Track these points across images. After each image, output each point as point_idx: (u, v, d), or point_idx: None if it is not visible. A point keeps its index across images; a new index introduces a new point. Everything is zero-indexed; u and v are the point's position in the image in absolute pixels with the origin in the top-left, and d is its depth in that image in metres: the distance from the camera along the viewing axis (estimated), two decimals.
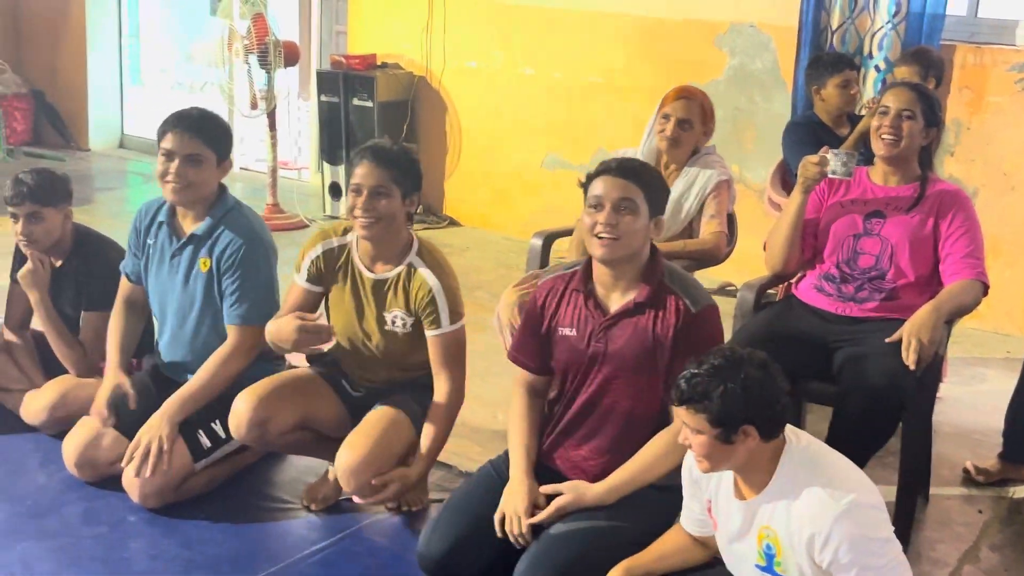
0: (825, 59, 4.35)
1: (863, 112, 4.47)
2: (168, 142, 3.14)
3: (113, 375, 3.27)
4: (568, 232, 3.92)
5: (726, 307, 3.61)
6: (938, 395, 3.52)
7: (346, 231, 3.04)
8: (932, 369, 2.96)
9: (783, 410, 2.18)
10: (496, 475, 2.74)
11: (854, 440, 2.77)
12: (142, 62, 10.22)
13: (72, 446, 3.21)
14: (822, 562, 2.10)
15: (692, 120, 3.66)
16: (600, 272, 2.65)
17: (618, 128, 5.66)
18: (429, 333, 2.96)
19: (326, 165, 6.53)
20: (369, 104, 6.26)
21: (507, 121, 6.24)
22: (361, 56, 6.39)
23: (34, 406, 3.46)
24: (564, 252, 4.05)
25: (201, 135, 3.14)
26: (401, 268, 2.96)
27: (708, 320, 2.60)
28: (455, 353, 2.99)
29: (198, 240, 3.20)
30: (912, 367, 2.80)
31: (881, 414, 2.82)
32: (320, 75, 6.53)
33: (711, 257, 3.64)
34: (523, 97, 6.15)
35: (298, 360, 3.35)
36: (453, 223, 6.48)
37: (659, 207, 2.64)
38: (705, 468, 2.22)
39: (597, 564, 2.48)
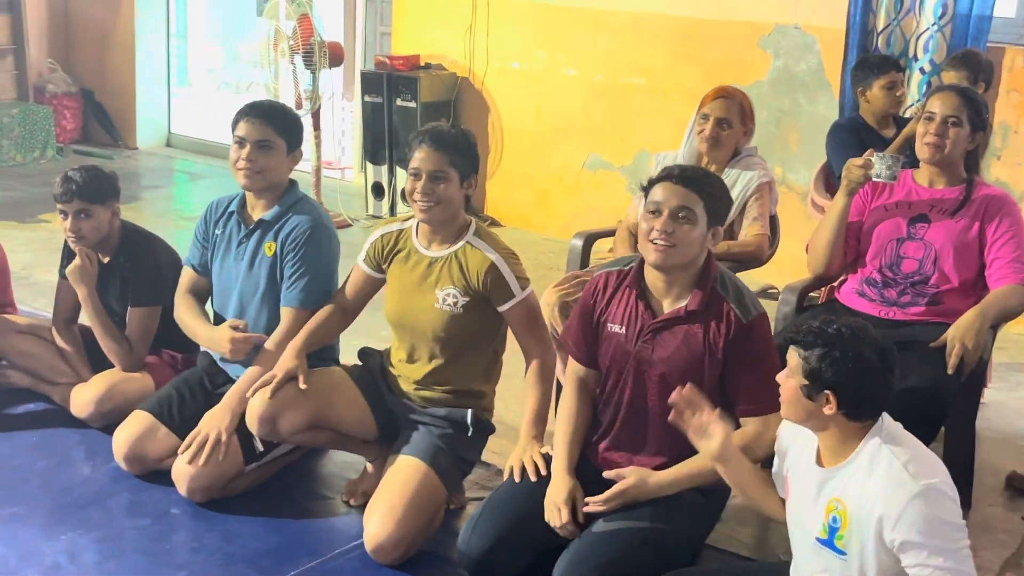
0: (871, 61, 4.32)
1: (907, 115, 4.43)
2: (241, 130, 3.22)
3: (217, 330, 3.27)
4: (609, 233, 3.92)
5: (767, 309, 3.60)
6: (982, 401, 3.49)
7: (407, 219, 3.09)
8: (976, 374, 2.94)
9: (874, 401, 2.19)
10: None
11: None
12: (189, 62, 10.36)
13: (123, 439, 3.26)
14: (892, 541, 2.10)
15: (731, 119, 3.65)
16: (652, 275, 2.65)
17: (660, 129, 5.65)
18: (502, 308, 2.94)
19: (369, 165, 6.58)
20: (412, 105, 6.30)
21: (549, 122, 6.25)
22: (405, 57, 6.42)
23: (81, 399, 3.52)
24: (604, 253, 4.05)
25: (272, 123, 3.21)
26: (457, 247, 2.98)
27: (759, 330, 2.60)
28: (534, 318, 2.99)
29: (266, 225, 3.26)
30: (951, 371, 2.78)
31: (924, 419, 2.79)
32: (364, 75, 6.58)
33: (754, 259, 3.62)
34: (565, 98, 6.15)
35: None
36: (494, 223, 6.50)
37: (719, 218, 2.63)
38: (785, 413, 2.26)
39: (637, 566, 2.49)
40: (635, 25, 5.79)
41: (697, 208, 2.56)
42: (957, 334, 2.83)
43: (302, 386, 3.01)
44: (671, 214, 2.55)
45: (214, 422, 3.11)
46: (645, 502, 2.59)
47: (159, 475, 3.23)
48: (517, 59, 6.29)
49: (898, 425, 2.26)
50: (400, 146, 6.37)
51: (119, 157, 7.83)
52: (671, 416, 2.47)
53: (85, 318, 3.61)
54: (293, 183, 3.33)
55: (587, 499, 2.61)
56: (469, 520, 2.70)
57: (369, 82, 6.48)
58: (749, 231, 3.63)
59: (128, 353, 3.53)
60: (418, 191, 2.92)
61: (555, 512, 2.60)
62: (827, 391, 2.16)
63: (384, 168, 6.47)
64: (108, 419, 3.43)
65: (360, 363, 3.26)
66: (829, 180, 4.31)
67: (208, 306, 3.47)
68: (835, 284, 3.41)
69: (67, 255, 3.65)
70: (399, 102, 6.35)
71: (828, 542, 2.21)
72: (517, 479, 2.74)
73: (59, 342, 3.69)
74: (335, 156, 7.81)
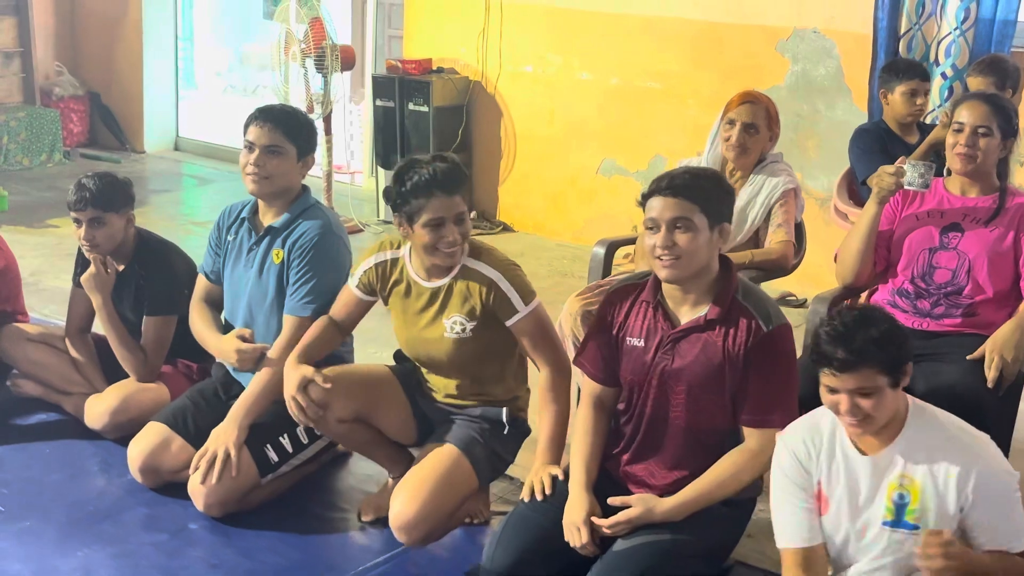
0: (898, 65, 4.26)
1: (930, 120, 4.37)
2: (251, 134, 3.17)
3: (225, 340, 3.22)
4: (631, 240, 3.86)
5: (788, 319, 3.54)
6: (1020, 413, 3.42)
7: (400, 245, 3.01)
8: (1014, 387, 2.88)
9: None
10: (561, 488, 2.68)
11: None
12: (196, 65, 10.30)
13: (137, 451, 3.21)
14: (965, 500, 2.18)
15: (758, 124, 3.58)
16: (669, 286, 2.60)
17: (675, 134, 5.59)
18: (509, 323, 2.88)
19: (380, 170, 6.52)
20: (424, 109, 6.24)
21: (563, 126, 6.19)
22: (417, 61, 6.36)
23: (96, 411, 3.46)
24: (619, 259, 3.99)
25: (281, 128, 3.16)
26: (455, 272, 2.92)
27: (781, 339, 2.54)
28: (543, 332, 2.90)
29: (275, 232, 3.21)
30: (991, 384, 2.72)
31: None
32: (376, 79, 6.52)
33: (779, 267, 3.56)
34: (579, 102, 6.09)
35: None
36: (507, 229, 6.44)
37: (720, 215, 2.56)
38: (873, 430, 2.23)
39: None
40: (650, 28, 5.73)
41: (693, 215, 2.49)
42: (995, 347, 2.77)
43: (323, 385, 2.92)
44: (668, 227, 2.49)
45: (221, 438, 3.06)
46: None
47: (176, 487, 3.17)
48: (530, 63, 6.24)
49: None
50: (412, 151, 6.31)
51: (126, 161, 7.78)
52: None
53: (99, 327, 3.55)
54: (305, 189, 3.27)
55: (596, 520, 2.55)
56: (492, 536, 2.65)
57: (381, 86, 6.43)
58: (773, 238, 3.57)
59: (143, 363, 3.47)
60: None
61: (574, 532, 2.55)
62: (904, 366, 2.21)
63: None
64: (123, 430, 3.38)
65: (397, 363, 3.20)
66: (852, 187, 4.25)
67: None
68: (864, 295, 3.35)
69: (81, 263, 3.59)
70: (411, 106, 6.29)
71: (897, 522, 2.24)
72: (527, 499, 2.69)
73: (72, 351, 3.64)
74: (344, 160, 7.76)
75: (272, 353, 3.13)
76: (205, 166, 7.75)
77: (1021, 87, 4.21)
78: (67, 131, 7.86)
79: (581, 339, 3.35)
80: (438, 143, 6.25)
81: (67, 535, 3.02)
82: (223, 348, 3.22)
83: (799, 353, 2.73)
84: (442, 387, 3.04)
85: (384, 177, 6.48)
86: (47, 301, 4.69)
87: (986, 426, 2.76)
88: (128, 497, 3.21)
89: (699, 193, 2.52)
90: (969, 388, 2.76)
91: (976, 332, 2.96)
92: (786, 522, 2.37)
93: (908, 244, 3.11)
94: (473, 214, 6.42)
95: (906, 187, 3.06)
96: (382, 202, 6.50)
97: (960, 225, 3.06)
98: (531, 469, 2.79)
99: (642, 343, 2.62)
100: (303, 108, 6.22)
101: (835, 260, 3.26)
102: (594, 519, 2.55)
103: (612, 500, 2.58)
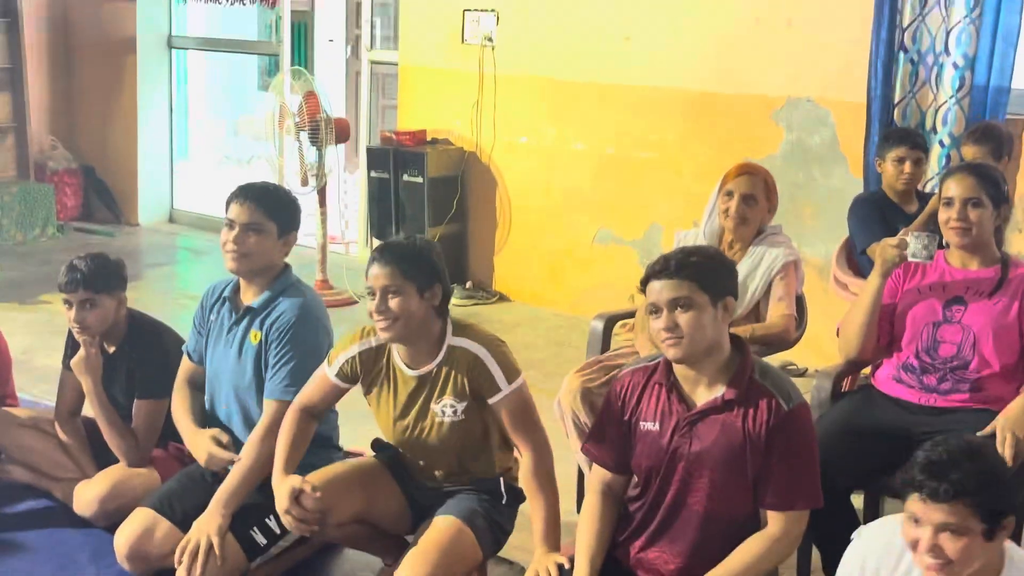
0: (892, 133, 4.26)
1: (928, 189, 4.36)
2: (231, 212, 3.14)
3: (200, 435, 3.17)
4: (630, 314, 3.82)
5: None
6: None
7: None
8: None
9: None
10: None
11: None
12: (191, 137, 10.34)
13: (124, 538, 3.12)
14: None
15: (756, 196, 3.56)
16: (681, 367, 2.54)
17: (671, 203, 5.58)
18: (491, 400, 2.81)
19: (375, 240, 6.50)
20: (419, 180, 6.23)
21: (558, 196, 6.18)
22: (411, 132, 6.37)
23: (85, 497, 3.38)
24: (619, 330, 3.94)
25: (262, 205, 3.13)
26: (441, 356, 2.85)
27: (802, 418, 2.48)
28: (525, 413, 2.82)
29: (253, 313, 3.16)
30: (1009, 463, 2.66)
31: None
32: (370, 151, 6.52)
33: (781, 341, 3.51)
34: (574, 172, 6.09)
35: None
36: (503, 299, 6.40)
37: (722, 290, 2.51)
38: (966, 570, 1.96)
39: None
40: (645, 99, 5.75)
41: (694, 294, 2.46)
42: (1007, 423, 2.72)
43: (317, 494, 2.84)
44: (669, 308, 2.46)
45: (203, 527, 2.97)
46: None
47: (167, 574, 3.07)
48: (525, 133, 6.25)
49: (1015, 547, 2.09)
50: (407, 221, 6.30)
51: (120, 234, 7.76)
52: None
53: (89, 410, 3.48)
54: (286, 268, 3.23)
55: None
56: None
57: (375, 157, 6.43)
58: (774, 312, 3.52)
59: (134, 447, 3.40)
60: (374, 309, 2.78)
61: None
62: (1005, 519, 1.96)
63: None
64: (113, 518, 3.28)
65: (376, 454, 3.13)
66: (851, 256, 4.22)
67: None
68: (868, 371, 3.30)
69: (71, 345, 3.53)
70: (406, 177, 6.29)
71: None
72: None
73: (62, 436, 3.57)
74: (339, 231, 7.75)
75: (253, 437, 3.06)
76: (200, 238, 7.72)
77: (1015, 154, 4.20)
78: (61, 205, 7.84)
79: (581, 416, 3.31)
80: (433, 214, 6.24)
81: None
82: (196, 444, 3.17)
83: None
84: (432, 473, 2.98)
85: None
86: (38, 380, 4.62)
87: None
88: None
89: (696, 271, 2.49)
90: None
91: (984, 407, 2.91)
92: None
93: (911, 318, 3.07)
94: (468, 284, 6.39)
95: (910, 259, 3.02)
96: None
97: (963, 298, 3.02)
98: (533, 558, 2.71)
99: (657, 427, 2.55)
100: (298, 180, 6.22)
101: (837, 334, 3.22)
102: None
103: None
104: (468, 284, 6.40)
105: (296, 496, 2.81)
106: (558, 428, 3.37)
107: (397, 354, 2.90)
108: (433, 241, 3.01)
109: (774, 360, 4.78)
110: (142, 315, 3.58)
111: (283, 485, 2.84)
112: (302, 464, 2.99)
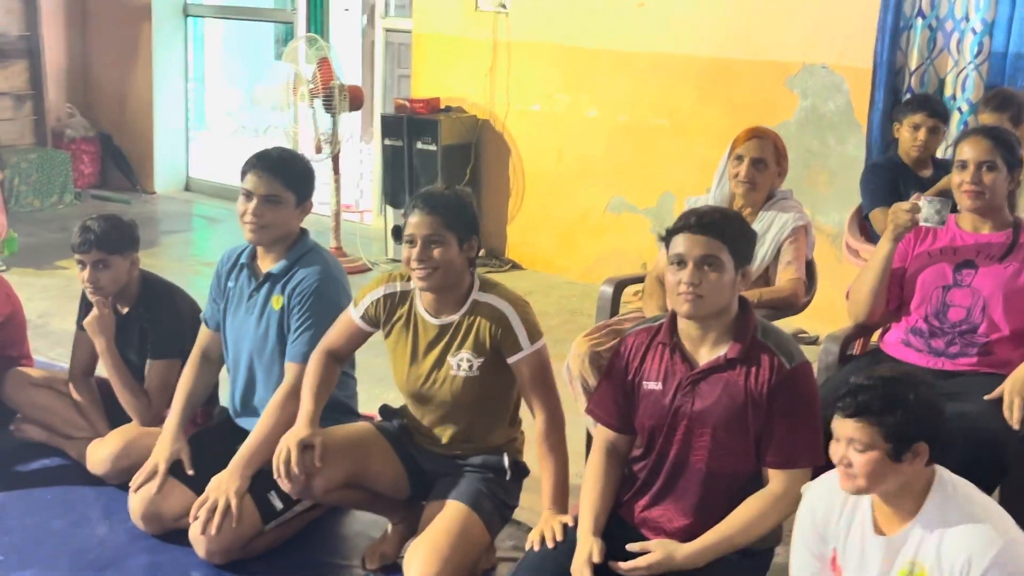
0: (913, 99, 4.22)
1: (948, 155, 4.32)
2: (248, 182, 3.13)
3: (170, 440, 3.21)
4: (639, 279, 3.81)
5: None
6: None
7: (409, 278, 2.95)
8: None
9: (949, 432, 2.12)
10: (571, 535, 2.62)
11: None
12: (207, 106, 10.35)
13: (138, 498, 3.16)
14: None
15: (766, 159, 3.54)
16: (686, 325, 2.55)
17: (685, 171, 5.56)
18: (513, 360, 2.82)
19: (389, 208, 6.51)
20: (433, 148, 6.23)
21: (571, 164, 6.17)
22: (425, 100, 6.36)
23: (98, 456, 3.42)
24: (630, 297, 3.94)
25: (280, 176, 3.12)
26: (465, 308, 2.87)
27: (804, 377, 2.49)
28: (544, 375, 2.84)
29: (274, 279, 3.17)
30: (1017, 427, 2.66)
31: (980, 477, 2.65)
32: (384, 119, 6.52)
33: (788, 306, 3.50)
34: (587, 140, 6.07)
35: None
36: (516, 267, 6.40)
37: (745, 258, 2.54)
38: (857, 488, 2.13)
39: None
40: (658, 66, 5.72)
41: (722, 254, 2.47)
42: (1015, 387, 2.71)
43: (317, 463, 2.85)
44: (696, 264, 2.46)
45: (222, 487, 3.00)
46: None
47: (180, 535, 3.11)
48: (538, 101, 6.23)
49: (957, 477, 2.17)
50: (420, 189, 6.29)
51: (137, 202, 7.79)
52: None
53: (102, 370, 3.52)
54: (304, 233, 3.24)
55: (615, 564, 2.48)
56: None
57: (389, 125, 6.42)
58: (783, 276, 3.51)
59: (147, 407, 3.43)
60: (414, 258, 2.78)
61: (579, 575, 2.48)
62: (916, 444, 2.08)
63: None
64: (125, 476, 3.32)
65: (383, 419, 3.15)
66: (864, 223, 4.20)
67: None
68: (878, 334, 3.29)
69: (85, 306, 3.56)
70: (419, 145, 6.28)
71: None
72: (536, 548, 2.62)
73: (75, 395, 3.60)
74: (354, 199, 7.76)
75: (274, 400, 3.08)
76: (215, 206, 7.75)
77: None
78: (78, 172, 7.88)
79: (589, 380, 3.32)
80: (446, 182, 6.22)
81: None
82: (164, 441, 3.20)
83: None
84: (439, 436, 2.98)
85: (393, 216, 6.46)
86: (54, 344, 4.67)
87: (1007, 467, 2.72)
88: (130, 544, 3.16)
89: (728, 233, 2.50)
90: (989, 429, 2.69)
91: (993, 371, 2.90)
92: (801, 568, 2.32)
93: (921, 282, 3.05)
94: (482, 252, 6.39)
95: (922, 223, 3.01)
96: (391, 241, 6.48)
97: (974, 262, 3.01)
98: (540, 518, 2.73)
99: (660, 386, 2.56)
100: (312, 147, 6.23)
101: (847, 298, 3.21)
102: (612, 563, 2.48)
103: (631, 546, 2.51)
104: (481, 252, 6.40)
105: (301, 448, 2.82)
106: (567, 392, 3.38)
107: (421, 302, 2.91)
108: (470, 193, 3.01)
109: (787, 328, 4.78)
110: (155, 276, 3.60)
111: (296, 433, 2.86)
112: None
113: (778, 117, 5.22)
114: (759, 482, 2.52)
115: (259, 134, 9.98)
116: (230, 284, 3.27)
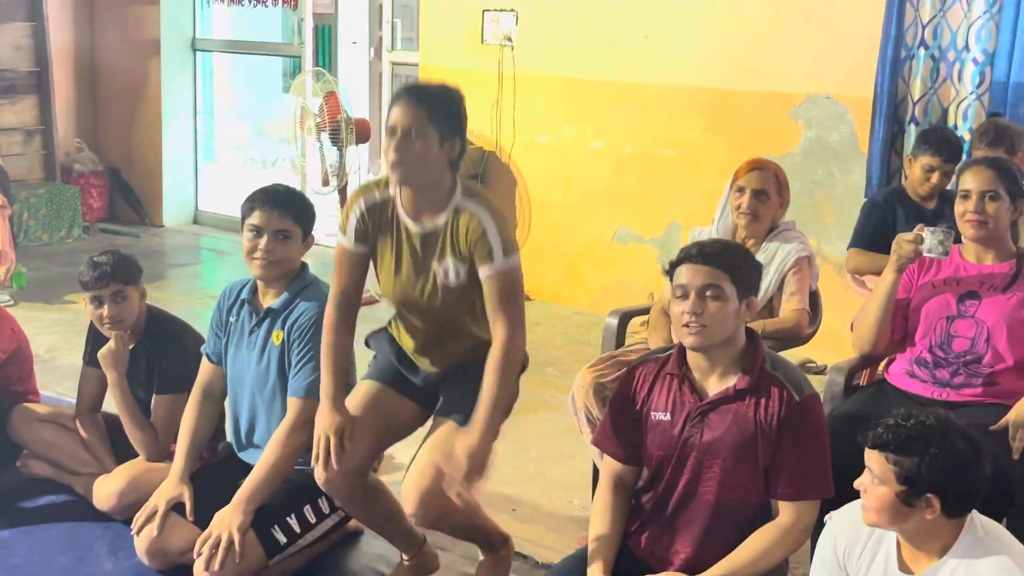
0: (933, 135, 4.13)
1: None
2: (256, 218, 3.13)
3: (175, 483, 3.20)
4: (645, 311, 3.81)
5: None
6: None
7: (387, 184, 2.83)
8: None
9: (976, 492, 2.08)
10: (579, 567, 2.60)
11: None
12: (216, 138, 10.41)
13: (143, 533, 3.16)
14: None
15: (768, 191, 3.55)
16: (695, 356, 2.56)
17: (691, 201, 5.57)
18: (483, 272, 2.70)
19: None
20: None
21: (577, 194, 6.19)
22: None
23: (104, 491, 3.42)
24: (636, 327, 3.94)
25: (289, 211, 3.14)
26: (447, 214, 2.76)
27: (813, 409, 2.49)
28: (511, 292, 2.71)
29: (274, 314, 3.18)
30: (1016, 456, 2.65)
31: (988, 506, 2.65)
32: None
33: (793, 337, 3.50)
34: (593, 170, 6.10)
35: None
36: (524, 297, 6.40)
37: (749, 288, 2.55)
38: (869, 520, 2.13)
39: None
40: (663, 97, 5.75)
41: (724, 284, 2.48)
42: (1019, 418, 2.70)
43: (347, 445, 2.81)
44: (698, 294, 2.48)
45: (225, 522, 3.00)
46: None
47: (185, 570, 3.10)
48: (544, 132, 6.26)
49: (989, 520, 2.14)
50: None
51: (145, 235, 7.83)
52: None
53: (108, 405, 3.52)
54: (304, 267, 3.25)
55: None
56: None
57: None
58: (787, 307, 3.51)
59: (153, 441, 3.44)
60: (392, 149, 2.67)
61: None
62: (929, 495, 2.05)
63: None
64: (131, 512, 3.31)
65: (371, 348, 3.09)
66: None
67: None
68: (883, 364, 3.29)
69: (92, 341, 3.58)
70: None
71: None
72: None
73: (82, 431, 3.61)
74: None
75: (277, 435, 3.08)
76: (224, 239, 7.78)
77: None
78: (87, 206, 7.93)
79: (593, 411, 3.32)
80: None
81: None
82: (165, 484, 3.19)
83: None
84: (429, 358, 2.93)
85: None
86: (61, 379, 4.68)
87: (1013, 498, 2.71)
88: None
89: (730, 263, 2.52)
90: (995, 462, 2.67)
91: (998, 402, 2.90)
92: None
93: (925, 312, 3.05)
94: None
95: (925, 255, 3.02)
96: None
97: (977, 292, 3.01)
98: (457, 439, 2.67)
99: (668, 417, 2.56)
100: (319, 180, 6.26)
101: (851, 329, 3.21)
102: None
103: None
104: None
105: (340, 435, 2.78)
106: (571, 423, 3.38)
107: (402, 208, 2.81)
108: (460, 92, 2.85)
109: (793, 357, 4.78)
110: (161, 311, 3.62)
111: (331, 419, 2.80)
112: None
113: (783, 147, 5.24)
114: (767, 514, 2.52)
115: (267, 166, 10.07)
116: (231, 319, 3.28)
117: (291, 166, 6.58)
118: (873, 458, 2.10)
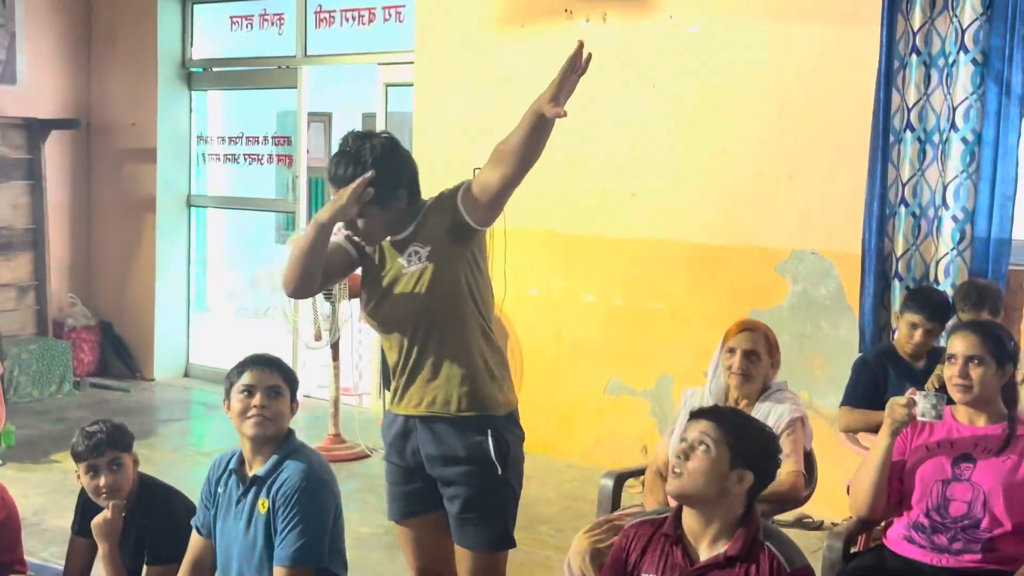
0: (919, 294, 4.24)
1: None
2: (248, 378, 3.17)
3: None
4: (640, 471, 3.80)
5: (804, 542, 3.45)
6: None
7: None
8: None
9: None
10: None
11: None
12: (208, 288, 10.48)
13: None
14: None
15: (759, 351, 3.60)
16: (690, 519, 2.57)
17: (682, 353, 5.61)
18: (460, 195, 3.11)
19: (387, 393, 6.50)
20: None
21: (568, 347, 6.23)
22: None
23: None
24: (634, 482, 3.92)
25: (279, 370, 3.21)
26: (418, 219, 3.10)
27: None
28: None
29: (260, 481, 3.16)
30: None
31: None
32: None
33: (789, 499, 3.49)
34: (584, 323, 6.15)
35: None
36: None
37: (745, 460, 2.55)
38: None
39: None
40: (652, 252, 5.85)
41: (709, 439, 2.54)
42: None
43: None
44: (689, 444, 2.56)
45: None
46: None
47: None
48: (535, 285, 6.34)
49: None
50: None
51: (136, 389, 7.80)
52: None
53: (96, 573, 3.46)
54: (290, 433, 3.25)
55: None
56: None
57: None
58: (782, 470, 3.49)
59: None
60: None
61: None
62: None
63: None
64: None
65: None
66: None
67: None
68: (881, 527, 3.27)
69: (82, 510, 3.53)
70: None
71: None
72: None
73: None
74: (352, 382, 7.77)
75: None
76: (214, 392, 7.75)
77: (1016, 304, 4.21)
78: (77, 360, 7.92)
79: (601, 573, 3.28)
80: None
81: None
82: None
83: None
84: (415, 387, 3.17)
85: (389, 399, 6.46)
86: (48, 543, 4.60)
87: None
88: None
89: (727, 425, 2.58)
90: None
91: (999, 568, 2.88)
92: None
93: (920, 476, 3.06)
94: None
95: (919, 419, 3.03)
96: None
97: (971, 455, 3.02)
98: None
99: None
100: (312, 336, 6.29)
101: (847, 492, 3.20)
102: None
103: None
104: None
105: None
106: None
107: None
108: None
109: (789, 514, 4.74)
110: (152, 479, 3.58)
111: None
112: None
113: (770, 301, 5.31)
114: None
115: (259, 315, 10.10)
116: (219, 491, 3.25)
117: (282, 315, 6.62)
118: None
